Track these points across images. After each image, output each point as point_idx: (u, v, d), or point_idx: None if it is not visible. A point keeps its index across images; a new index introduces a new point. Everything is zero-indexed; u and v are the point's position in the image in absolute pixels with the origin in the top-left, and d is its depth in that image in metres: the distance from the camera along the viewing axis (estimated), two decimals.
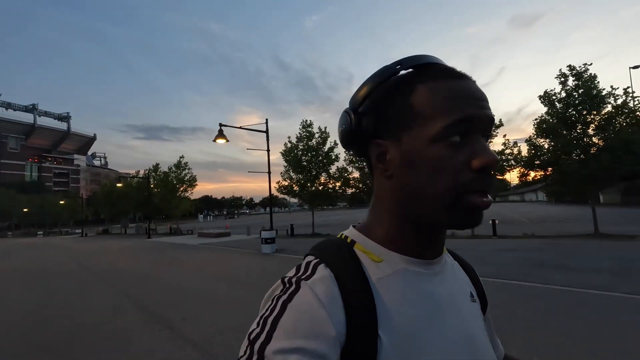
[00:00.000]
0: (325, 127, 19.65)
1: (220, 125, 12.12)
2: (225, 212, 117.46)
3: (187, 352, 3.63)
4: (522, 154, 14.50)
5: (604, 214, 24.38)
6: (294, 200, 21.76)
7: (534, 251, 9.40)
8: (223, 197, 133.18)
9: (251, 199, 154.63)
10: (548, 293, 5.32)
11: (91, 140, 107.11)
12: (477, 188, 0.41)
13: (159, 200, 29.33)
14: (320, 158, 19.19)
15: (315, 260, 0.46)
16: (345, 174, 18.83)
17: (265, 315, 0.41)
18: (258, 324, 0.40)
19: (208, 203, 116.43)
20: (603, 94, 12.48)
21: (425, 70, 0.45)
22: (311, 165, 19.21)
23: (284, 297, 0.41)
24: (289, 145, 19.46)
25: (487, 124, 0.43)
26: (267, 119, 13.84)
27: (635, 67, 35.96)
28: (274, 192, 20.43)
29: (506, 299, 5.08)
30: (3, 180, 71.08)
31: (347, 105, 0.49)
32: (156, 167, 31.89)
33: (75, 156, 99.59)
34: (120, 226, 41.23)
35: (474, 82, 0.45)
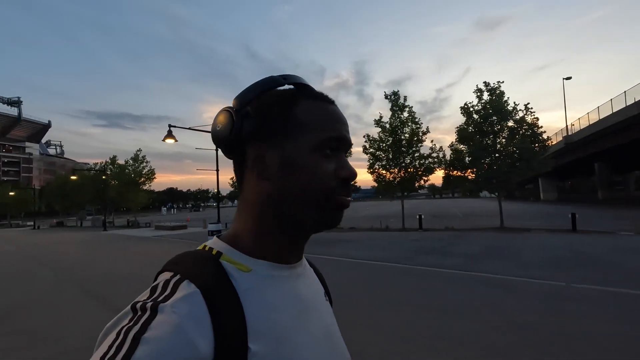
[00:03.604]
0: None
1: (170, 126, 13.01)
2: (190, 205, 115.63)
3: (107, 314, 4.82)
4: (446, 157, 16.49)
5: (534, 209, 27.41)
6: None
7: (434, 241, 11.24)
8: (189, 190, 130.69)
9: (219, 192, 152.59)
10: (411, 271, 6.95)
11: (45, 127, 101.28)
12: (341, 193, 0.48)
13: (114, 194, 29.31)
14: None
15: (176, 278, 0.41)
16: None
17: (110, 355, 0.33)
18: None
19: (173, 195, 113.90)
20: (510, 108, 14.59)
21: (305, 90, 0.51)
22: None
23: (136, 328, 0.35)
24: None
25: (348, 146, 0.52)
26: None
27: (567, 78, 39.86)
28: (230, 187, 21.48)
29: (368, 275, 6.70)
30: None
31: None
32: (113, 159, 31.68)
33: (27, 144, 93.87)
34: (76, 219, 40.31)
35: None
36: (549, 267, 6.85)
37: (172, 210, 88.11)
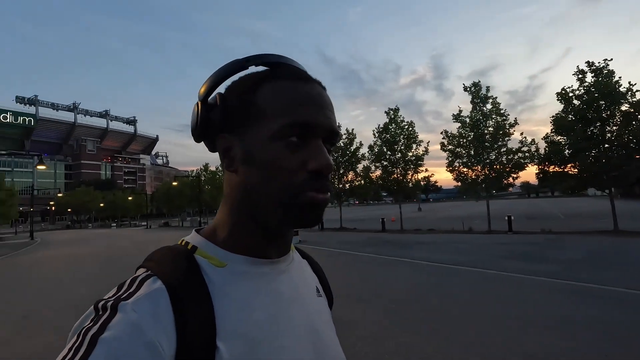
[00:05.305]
0: (352, 129, 21.03)
1: None
2: None
3: None
4: (539, 151, 14.62)
5: None
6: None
7: (525, 244, 10.04)
8: None
9: None
10: (494, 277, 6.33)
11: (154, 141, 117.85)
12: (312, 189, 0.41)
13: (208, 197, 32.70)
14: (347, 157, 20.60)
15: (145, 274, 0.40)
16: (370, 172, 20.03)
17: (68, 357, 0.32)
18: None
19: None
20: (623, 90, 12.33)
21: (275, 70, 0.45)
22: (339, 164, 20.68)
23: (94, 329, 0.34)
24: None
25: (327, 131, 0.43)
26: None
27: None
28: None
29: (443, 280, 6.28)
30: (84, 179, 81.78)
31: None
32: (206, 166, 35.41)
33: (141, 156, 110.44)
34: (179, 219, 45.99)
35: (323, 88, 0.46)
36: None
37: None
